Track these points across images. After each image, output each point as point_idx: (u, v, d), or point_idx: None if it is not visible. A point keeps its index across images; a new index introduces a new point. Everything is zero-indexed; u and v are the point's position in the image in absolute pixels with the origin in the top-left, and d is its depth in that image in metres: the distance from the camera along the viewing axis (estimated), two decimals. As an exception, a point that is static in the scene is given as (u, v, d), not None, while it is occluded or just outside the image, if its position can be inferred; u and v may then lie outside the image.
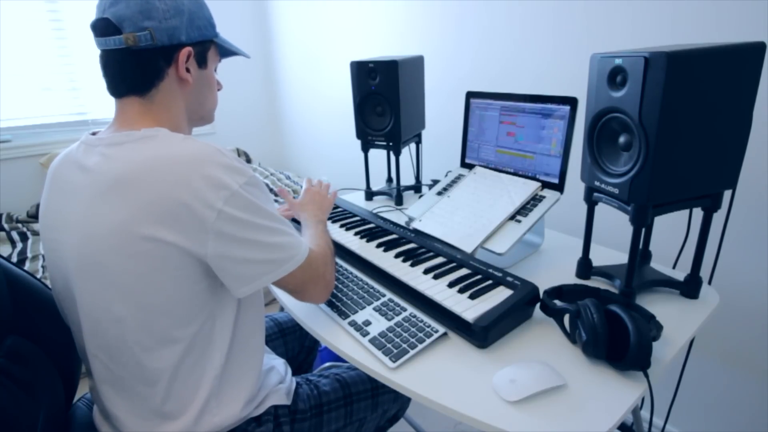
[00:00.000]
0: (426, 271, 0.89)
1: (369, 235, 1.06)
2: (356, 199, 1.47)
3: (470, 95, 1.15)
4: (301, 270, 0.71)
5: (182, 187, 0.59)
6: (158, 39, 0.66)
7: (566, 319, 0.75)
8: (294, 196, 1.13)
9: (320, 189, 1.08)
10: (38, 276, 1.70)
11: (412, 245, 1.00)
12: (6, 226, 2.06)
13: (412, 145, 1.51)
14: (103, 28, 0.66)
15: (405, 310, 0.82)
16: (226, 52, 0.80)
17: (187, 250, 0.61)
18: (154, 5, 0.66)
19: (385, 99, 1.29)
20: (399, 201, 1.40)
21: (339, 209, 1.25)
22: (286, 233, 0.69)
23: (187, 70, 0.71)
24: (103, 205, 0.61)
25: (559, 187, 1.00)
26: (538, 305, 0.80)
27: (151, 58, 0.68)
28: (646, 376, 0.64)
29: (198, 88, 0.74)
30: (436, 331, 0.76)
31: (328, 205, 1.04)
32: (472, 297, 0.80)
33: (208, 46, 0.75)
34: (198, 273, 0.63)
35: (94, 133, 0.69)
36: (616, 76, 0.75)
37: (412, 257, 0.95)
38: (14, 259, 1.84)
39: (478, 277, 0.86)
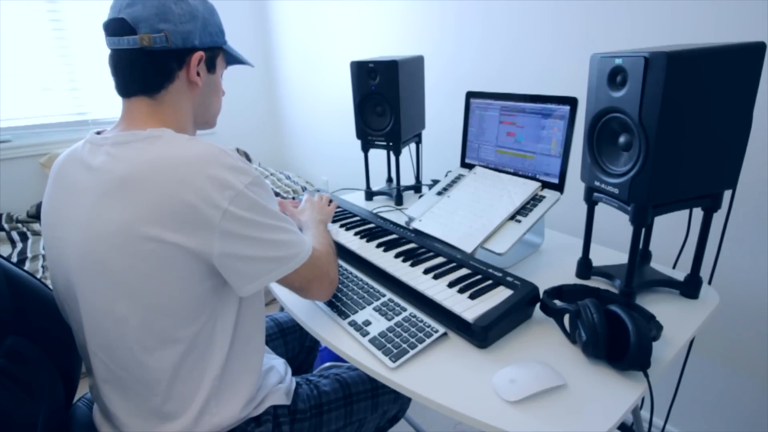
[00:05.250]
0: (426, 271, 0.89)
1: (369, 235, 1.06)
2: (356, 199, 1.47)
3: (470, 95, 1.15)
4: (305, 268, 0.72)
5: (187, 188, 0.59)
6: (173, 42, 0.67)
7: (566, 319, 0.75)
8: (294, 197, 1.14)
9: (320, 200, 1.12)
10: (38, 276, 1.70)
11: (412, 245, 1.00)
12: (6, 226, 2.06)
13: (412, 145, 1.51)
14: (117, 27, 0.66)
15: (405, 310, 0.82)
16: (232, 60, 0.82)
17: (192, 251, 0.61)
18: (171, 9, 0.67)
19: (385, 99, 1.29)
20: (399, 201, 1.40)
21: (339, 209, 1.25)
22: (291, 231, 0.70)
23: (198, 74, 0.72)
24: (108, 205, 0.61)
25: (559, 187, 0.99)
26: (538, 305, 0.80)
27: (164, 59, 0.68)
28: (646, 376, 0.64)
29: (206, 92, 0.76)
30: (436, 331, 0.76)
31: (327, 212, 1.08)
32: (472, 297, 0.79)
33: (218, 53, 0.77)
34: (202, 273, 0.63)
35: (99, 132, 0.70)
36: (616, 76, 0.75)
37: (412, 257, 0.95)
38: (14, 259, 1.84)
39: (478, 277, 0.86)
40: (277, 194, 2.35)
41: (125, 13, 0.66)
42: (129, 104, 0.70)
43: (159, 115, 0.70)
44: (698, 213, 0.83)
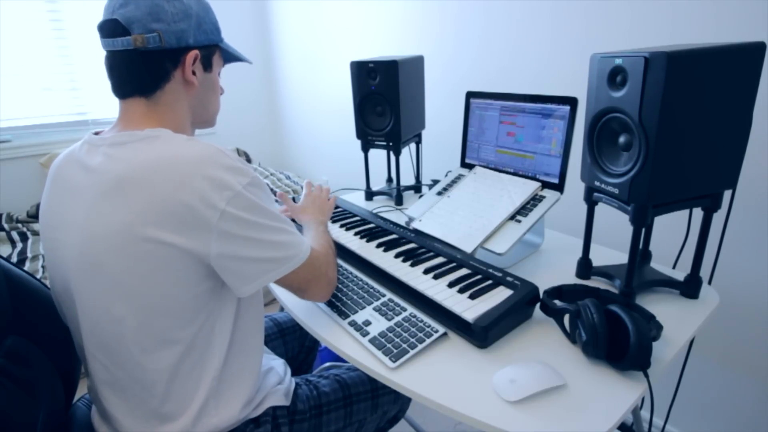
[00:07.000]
0: (426, 271, 0.89)
1: (369, 235, 1.06)
2: (356, 199, 1.47)
3: (470, 95, 1.15)
4: (303, 268, 0.72)
5: (185, 188, 0.59)
6: (166, 41, 0.67)
7: (566, 319, 0.75)
8: (293, 197, 1.14)
9: (320, 193, 1.10)
10: (38, 276, 1.70)
11: (412, 245, 1.00)
12: (6, 226, 2.06)
13: (412, 145, 1.51)
14: (111, 29, 0.66)
15: (405, 310, 0.82)
16: (229, 57, 0.81)
17: (190, 252, 0.61)
18: (163, 8, 0.66)
19: (385, 99, 1.29)
20: (399, 201, 1.40)
21: (339, 209, 1.25)
22: (289, 232, 0.70)
23: (193, 72, 0.72)
24: (105, 206, 0.61)
25: (559, 187, 0.99)
26: (538, 305, 0.80)
27: (159, 59, 0.68)
28: (646, 376, 0.64)
29: (203, 91, 0.75)
30: (436, 331, 0.76)
31: (328, 208, 1.06)
32: (472, 297, 0.79)
33: (214, 51, 0.76)
34: (199, 274, 0.63)
35: (97, 133, 0.70)
36: (616, 76, 0.75)
37: (412, 257, 0.95)
38: (14, 259, 1.84)
39: (478, 277, 0.86)
40: (276, 194, 2.35)
41: (118, 14, 0.65)
42: (126, 105, 0.70)
43: (156, 116, 0.69)
44: (698, 213, 0.83)
